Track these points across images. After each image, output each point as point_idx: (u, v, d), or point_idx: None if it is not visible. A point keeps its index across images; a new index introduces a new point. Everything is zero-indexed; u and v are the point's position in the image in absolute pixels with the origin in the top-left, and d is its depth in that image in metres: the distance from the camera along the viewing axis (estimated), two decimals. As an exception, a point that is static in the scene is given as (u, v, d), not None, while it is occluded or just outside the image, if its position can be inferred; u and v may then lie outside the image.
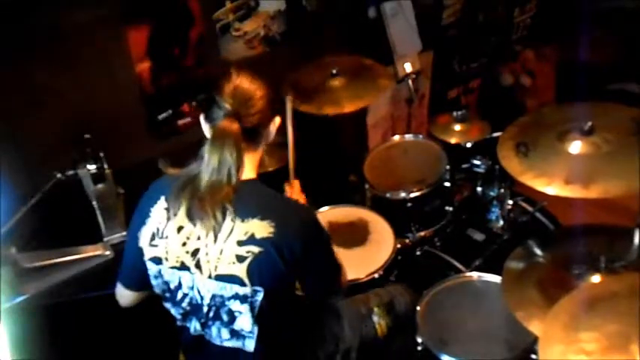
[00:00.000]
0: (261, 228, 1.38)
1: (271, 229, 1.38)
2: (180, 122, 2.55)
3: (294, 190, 1.95)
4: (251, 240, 1.38)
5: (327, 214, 2.33)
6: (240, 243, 1.39)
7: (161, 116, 2.50)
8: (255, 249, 1.38)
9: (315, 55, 2.63)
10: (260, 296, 1.40)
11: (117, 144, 2.17)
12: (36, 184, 1.99)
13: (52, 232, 2.12)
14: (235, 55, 2.58)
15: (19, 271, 1.91)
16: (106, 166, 2.02)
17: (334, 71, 2.41)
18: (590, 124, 1.68)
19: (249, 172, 1.49)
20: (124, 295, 1.63)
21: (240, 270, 1.39)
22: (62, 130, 2.16)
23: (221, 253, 1.40)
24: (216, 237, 1.41)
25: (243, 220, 1.40)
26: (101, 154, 2.02)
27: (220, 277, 1.41)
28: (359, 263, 2.08)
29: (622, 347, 1.15)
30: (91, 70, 2.20)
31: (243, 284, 1.40)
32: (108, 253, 2.04)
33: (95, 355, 2.02)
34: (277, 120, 1.56)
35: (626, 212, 1.83)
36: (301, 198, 1.91)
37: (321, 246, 1.54)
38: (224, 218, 1.40)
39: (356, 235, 2.24)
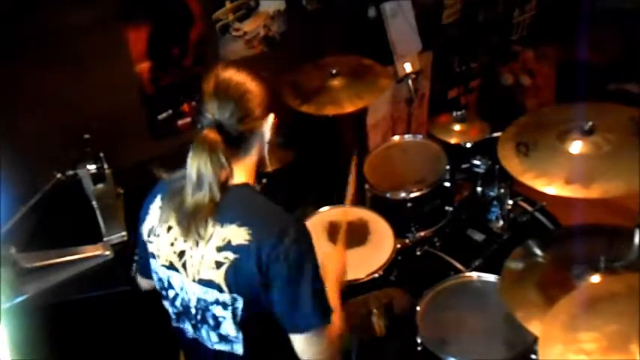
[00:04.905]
0: (238, 234, 1.32)
1: (247, 237, 1.31)
2: (180, 122, 2.55)
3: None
4: (228, 246, 1.33)
5: (327, 214, 2.33)
6: (219, 249, 1.34)
7: (161, 116, 2.50)
8: (231, 255, 1.32)
9: (315, 55, 2.63)
10: (240, 304, 1.36)
11: (117, 144, 2.17)
12: (36, 184, 1.99)
13: (52, 232, 2.12)
14: (235, 55, 2.58)
15: (19, 271, 1.91)
16: (106, 166, 2.02)
17: (334, 71, 2.42)
18: (590, 124, 1.68)
19: (241, 177, 1.42)
20: (141, 282, 1.65)
21: (218, 276, 1.35)
22: (62, 130, 2.16)
23: (202, 257, 1.37)
24: (197, 242, 1.37)
25: (222, 226, 1.34)
26: (101, 154, 2.02)
27: (202, 282, 1.38)
28: (359, 263, 2.08)
29: (622, 347, 1.14)
30: (90, 70, 2.20)
31: (221, 291, 1.36)
32: (108, 253, 2.04)
33: (95, 355, 2.02)
34: (271, 118, 1.44)
35: (626, 212, 1.83)
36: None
37: (299, 261, 1.33)
38: (205, 233, 1.36)
39: (356, 235, 2.23)
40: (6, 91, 2.04)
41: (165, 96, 2.47)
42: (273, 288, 1.33)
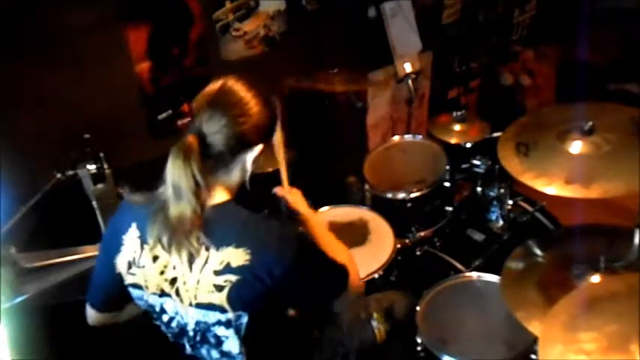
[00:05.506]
0: (237, 256, 1.30)
1: (247, 257, 1.30)
2: (180, 122, 2.55)
3: (295, 198, 1.79)
4: (227, 269, 1.31)
5: (327, 214, 2.33)
6: (217, 273, 1.32)
7: (161, 116, 2.50)
8: (233, 277, 1.30)
9: (316, 55, 2.63)
10: (244, 319, 1.34)
11: (117, 144, 2.17)
12: (36, 184, 1.99)
13: (52, 232, 2.12)
14: (235, 55, 2.58)
15: (19, 271, 1.90)
16: (106, 166, 2.02)
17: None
18: (590, 124, 1.67)
19: (221, 195, 1.38)
20: (90, 315, 1.56)
21: (220, 298, 1.33)
22: (62, 130, 2.16)
23: (198, 282, 1.34)
24: (191, 267, 1.34)
25: (218, 249, 1.31)
26: (101, 154, 2.02)
27: (201, 306, 1.36)
28: (359, 263, 2.04)
29: (622, 347, 1.15)
30: (90, 70, 2.20)
31: (224, 311, 1.34)
32: (108, 253, 2.03)
33: (95, 355, 2.02)
34: (257, 149, 1.38)
35: (626, 212, 1.83)
36: (303, 204, 1.77)
37: (306, 263, 1.38)
38: (199, 246, 1.32)
39: (356, 235, 2.24)
40: (6, 91, 2.04)
41: (166, 96, 2.47)
42: (288, 291, 1.36)
